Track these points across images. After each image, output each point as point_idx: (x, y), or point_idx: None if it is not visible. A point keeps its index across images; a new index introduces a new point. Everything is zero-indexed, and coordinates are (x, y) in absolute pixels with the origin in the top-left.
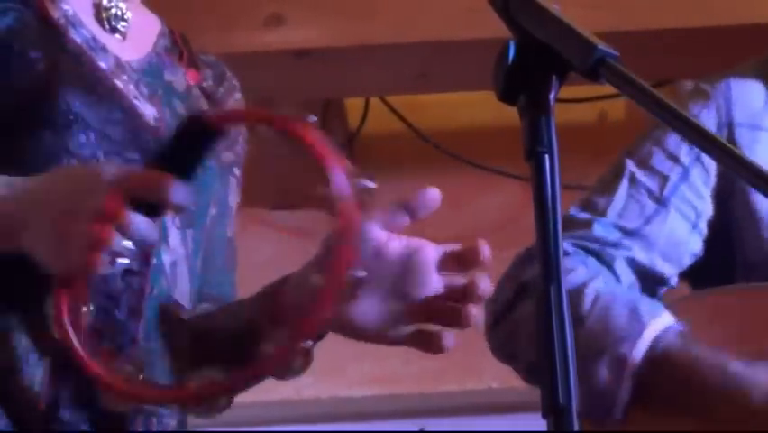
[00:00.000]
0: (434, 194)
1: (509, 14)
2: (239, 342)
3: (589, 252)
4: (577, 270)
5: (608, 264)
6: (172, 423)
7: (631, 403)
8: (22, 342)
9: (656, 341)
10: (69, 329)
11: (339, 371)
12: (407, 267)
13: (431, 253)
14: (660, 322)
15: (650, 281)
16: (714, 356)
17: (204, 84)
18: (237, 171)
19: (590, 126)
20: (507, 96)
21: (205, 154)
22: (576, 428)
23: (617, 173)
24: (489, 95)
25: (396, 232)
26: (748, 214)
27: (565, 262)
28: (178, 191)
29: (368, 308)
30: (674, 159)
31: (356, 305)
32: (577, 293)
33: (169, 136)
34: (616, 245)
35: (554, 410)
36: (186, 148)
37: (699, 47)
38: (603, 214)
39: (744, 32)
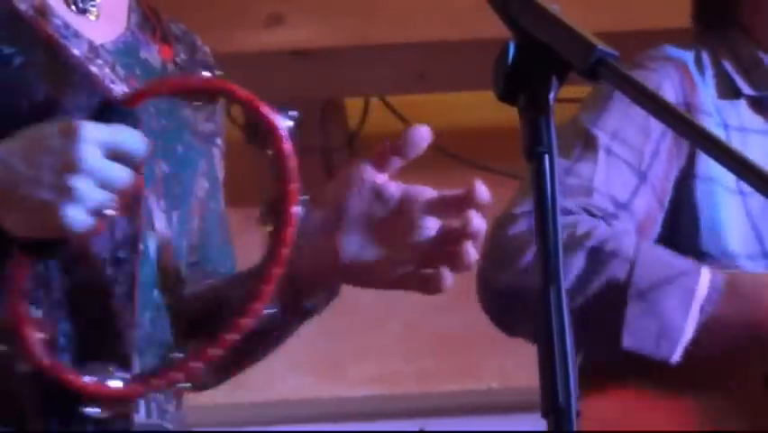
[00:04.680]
0: (423, 131)
1: (509, 14)
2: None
3: (594, 217)
4: (599, 227)
5: None
6: (170, 407)
7: (691, 344)
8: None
9: (714, 273)
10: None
11: (339, 371)
12: (403, 209)
13: (427, 194)
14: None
15: None
16: None
17: (177, 59)
18: (220, 142)
19: None
20: (507, 96)
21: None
22: (575, 428)
23: (589, 143)
24: (489, 95)
25: (389, 174)
26: (708, 205)
27: (577, 219)
28: (133, 137)
29: (362, 249)
30: (645, 132)
31: (348, 241)
32: (617, 236)
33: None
34: (614, 216)
35: (554, 410)
36: None
37: None
38: (591, 181)
39: None
